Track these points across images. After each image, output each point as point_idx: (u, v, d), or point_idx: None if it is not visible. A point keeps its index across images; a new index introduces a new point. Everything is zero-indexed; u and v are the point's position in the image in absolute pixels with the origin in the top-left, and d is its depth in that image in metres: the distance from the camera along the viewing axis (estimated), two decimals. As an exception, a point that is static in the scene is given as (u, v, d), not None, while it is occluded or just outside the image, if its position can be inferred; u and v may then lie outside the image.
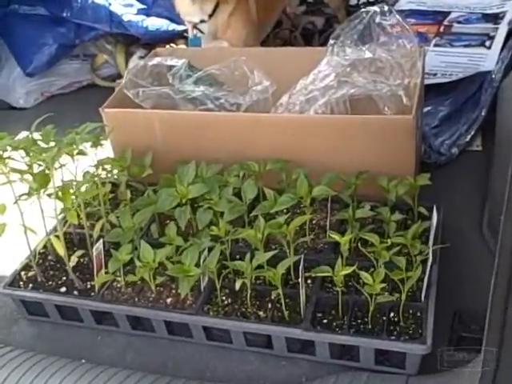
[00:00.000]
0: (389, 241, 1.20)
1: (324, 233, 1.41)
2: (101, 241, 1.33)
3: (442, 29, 2.10)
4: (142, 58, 2.14)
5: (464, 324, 1.30)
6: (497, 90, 1.79)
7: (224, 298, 1.28)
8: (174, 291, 1.31)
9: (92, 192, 1.37)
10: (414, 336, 1.16)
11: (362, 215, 1.33)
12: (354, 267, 1.16)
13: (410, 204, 1.39)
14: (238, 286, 1.20)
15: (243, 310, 1.25)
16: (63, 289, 1.36)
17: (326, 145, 1.46)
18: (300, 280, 1.19)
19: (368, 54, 1.50)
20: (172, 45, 2.09)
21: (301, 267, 1.18)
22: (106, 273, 1.31)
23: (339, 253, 1.31)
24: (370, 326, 1.19)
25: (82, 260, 1.41)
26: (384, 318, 1.20)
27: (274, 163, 1.45)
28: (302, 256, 1.20)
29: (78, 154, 1.32)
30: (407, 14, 2.18)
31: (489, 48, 1.96)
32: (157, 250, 1.28)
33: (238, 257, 1.36)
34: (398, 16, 1.63)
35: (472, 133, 1.76)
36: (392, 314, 1.20)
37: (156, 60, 1.57)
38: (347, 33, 1.63)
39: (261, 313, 1.24)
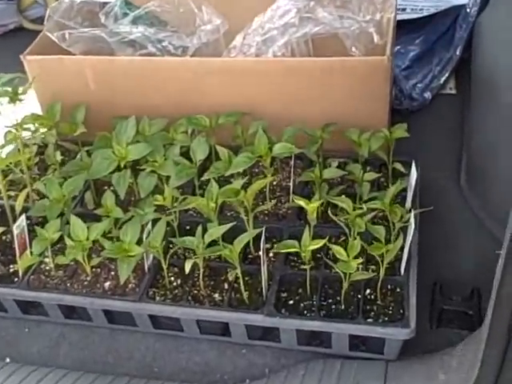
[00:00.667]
0: (364, 206, 1.02)
1: (287, 195, 1.23)
2: (23, 216, 1.12)
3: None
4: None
5: (445, 296, 1.16)
6: (473, 25, 1.61)
7: (172, 278, 1.10)
8: (113, 273, 1.12)
9: (13, 157, 1.15)
10: (394, 317, 1.00)
11: (330, 175, 1.14)
12: (325, 241, 0.98)
13: (383, 159, 1.22)
14: (188, 267, 1.01)
15: (195, 292, 1.07)
16: (-19, 274, 1.15)
17: (288, 93, 1.26)
18: (261, 256, 1.01)
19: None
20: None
21: (262, 242, 1.00)
22: (31, 254, 1.10)
23: (305, 219, 1.14)
24: (342, 307, 1.02)
25: (3, 238, 1.20)
26: (359, 295, 1.03)
27: (228, 116, 1.24)
28: (264, 229, 1.01)
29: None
30: None
31: (461, -22, 1.76)
32: (91, 224, 1.09)
33: (187, 228, 1.17)
34: None
35: (446, 74, 1.59)
36: (368, 291, 1.04)
37: (84, -4, 1.33)
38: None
39: (216, 295, 1.06)
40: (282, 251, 1.00)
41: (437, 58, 1.62)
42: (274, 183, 1.26)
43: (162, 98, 1.32)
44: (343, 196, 1.11)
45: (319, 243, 0.98)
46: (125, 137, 1.19)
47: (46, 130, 1.30)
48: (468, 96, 1.58)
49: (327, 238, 1.03)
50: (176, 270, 1.11)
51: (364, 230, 1.02)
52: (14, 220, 1.14)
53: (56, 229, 1.10)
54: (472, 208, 1.30)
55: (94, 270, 1.11)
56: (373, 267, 1.05)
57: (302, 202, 1.04)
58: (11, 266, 1.16)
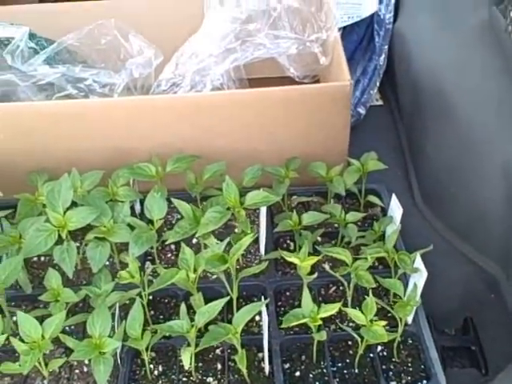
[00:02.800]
0: (368, 257, 0.91)
1: (255, 244, 1.09)
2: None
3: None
4: None
5: (438, 330, 1.09)
6: (392, 33, 1.56)
7: (152, 366, 0.93)
8: (77, 371, 0.93)
9: None
10: (416, 374, 0.90)
11: (311, 221, 1.02)
12: (339, 305, 0.86)
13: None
14: (186, 361, 0.84)
15: (184, 379, 0.91)
16: None
17: (241, 128, 1.12)
18: (264, 332, 0.87)
19: (272, 3, 1.15)
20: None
21: (264, 315, 0.86)
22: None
23: (284, 271, 1.03)
24: (356, 371, 0.91)
25: None
26: (371, 355, 0.92)
27: (177, 162, 1.08)
28: (265, 303, 0.87)
29: None
30: None
31: (367, -17, 1.71)
32: (34, 313, 0.89)
33: (162, 300, 1.01)
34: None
35: (375, 87, 1.52)
36: (379, 348, 0.94)
37: (-20, 32, 1.08)
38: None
39: (210, 379, 0.91)
40: (294, 324, 0.86)
41: (360, 69, 1.55)
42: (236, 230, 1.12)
43: (89, 147, 1.12)
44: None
45: (330, 309, 0.86)
46: (60, 201, 0.98)
47: None
48: (396, 106, 1.54)
49: (315, 291, 0.93)
50: (153, 354, 0.94)
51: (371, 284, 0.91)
52: None
53: (-1, 329, 0.88)
54: (437, 230, 1.24)
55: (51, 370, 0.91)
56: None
57: (295, 260, 0.92)
58: None
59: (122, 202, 1.05)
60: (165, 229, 1.12)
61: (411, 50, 1.45)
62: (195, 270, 0.90)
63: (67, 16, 1.33)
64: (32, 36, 1.08)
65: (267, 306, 0.93)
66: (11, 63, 1.04)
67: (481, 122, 1.15)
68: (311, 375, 0.91)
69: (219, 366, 0.92)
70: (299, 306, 0.94)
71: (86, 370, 0.93)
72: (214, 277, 1.04)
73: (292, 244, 1.10)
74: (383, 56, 1.54)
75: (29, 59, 1.04)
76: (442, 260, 1.19)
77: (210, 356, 0.94)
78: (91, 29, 1.10)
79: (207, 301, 0.92)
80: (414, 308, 0.90)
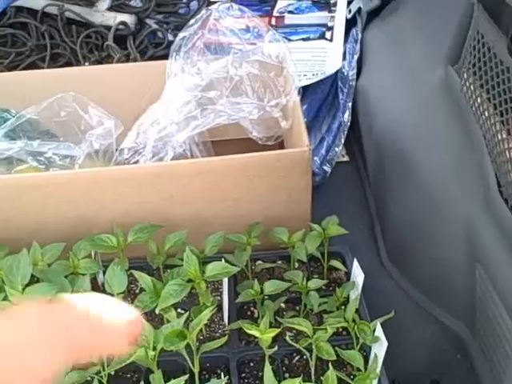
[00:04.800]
0: (328, 328, 0.91)
1: (217, 312, 1.08)
2: None
3: (273, 21, 1.83)
4: None
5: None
6: (355, 90, 1.58)
7: None
8: None
9: None
10: None
11: (272, 289, 1.02)
12: (299, 380, 0.85)
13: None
14: None
15: None
16: None
17: (203, 194, 1.12)
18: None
19: (232, 70, 1.17)
20: None
21: (224, 392, 0.85)
22: None
23: (244, 339, 1.02)
24: None
25: None
26: (336, 427, 0.91)
27: (138, 232, 1.07)
28: (224, 381, 0.86)
29: None
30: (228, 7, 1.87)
31: (330, 40, 1.74)
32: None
33: (126, 378, 0.99)
34: (244, 10, 1.35)
35: (340, 145, 1.53)
36: (342, 420, 0.93)
37: None
38: (190, 41, 1.29)
39: None
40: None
41: (325, 126, 1.57)
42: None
43: (50, 218, 1.11)
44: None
45: None
46: (19, 277, 0.97)
47: None
48: (362, 163, 1.55)
49: (278, 361, 0.92)
50: (114, 434, 0.92)
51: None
52: None
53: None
54: (403, 289, 1.24)
55: None
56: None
57: (256, 333, 0.91)
58: None
59: (83, 274, 1.04)
60: (129, 299, 1.11)
61: (373, 107, 1.47)
62: (154, 348, 0.89)
63: (25, 85, 1.34)
64: (-10, 109, 1.09)
65: (230, 380, 0.92)
66: (-32, 139, 1.05)
67: (442, 181, 1.16)
68: None
69: None
70: (263, 377, 0.93)
71: None
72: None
73: (256, 311, 1.09)
74: (347, 113, 1.57)
75: (-13, 133, 1.05)
76: (408, 320, 1.19)
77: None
78: (50, 102, 1.10)
79: (169, 375, 0.91)
80: (375, 381, 0.89)
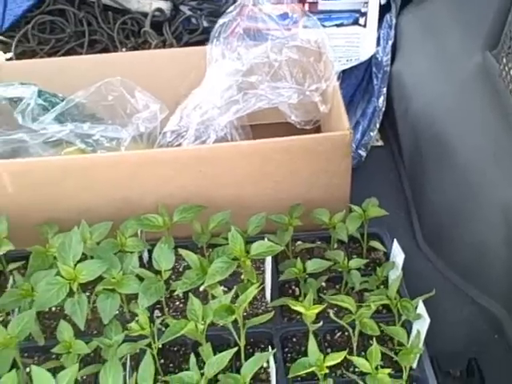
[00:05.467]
0: (371, 305, 0.94)
1: (260, 291, 1.11)
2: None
3: (307, 7, 1.85)
4: None
5: (442, 372, 1.11)
6: (389, 75, 1.60)
7: (163, 418, 0.95)
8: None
9: None
10: (423, 419, 0.92)
11: (315, 268, 1.05)
12: (344, 354, 0.88)
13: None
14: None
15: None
16: None
17: (245, 177, 1.15)
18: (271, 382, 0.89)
19: (272, 56, 1.19)
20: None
21: (271, 367, 0.88)
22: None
23: (286, 316, 1.05)
24: (362, 417, 0.93)
25: None
26: (377, 401, 0.94)
27: (184, 212, 1.11)
28: (272, 353, 0.90)
29: None
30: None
31: (364, 26, 1.75)
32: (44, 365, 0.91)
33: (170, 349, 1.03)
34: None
35: (376, 129, 1.55)
36: (384, 393, 0.95)
37: (-10, 92, 1.12)
38: (229, 28, 1.31)
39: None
40: (301, 373, 0.88)
41: (360, 111, 1.59)
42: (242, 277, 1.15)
43: (97, 198, 1.15)
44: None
45: (336, 358, 0.88)
46: (71, 254, 1.01)
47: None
48: (396, 147, 1.57)
49: (321, 337, 0.95)
50: (161, 404, 0.96)
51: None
52: None
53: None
54: (439, 271, 1.27)
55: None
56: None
57: (301, 309, 0.94)
58: None
59: (130, 252, 1.08)
60: (173, 276, 1.14)
61: (409, 91, 1.49)
62: (203, 321, 0.93)
63: (66, 71, 1.38)
64: (40, 93, 1.12)
65: (274, 354, 0.95)
66: (22, 122, 1.09)
67: (479, 165, 1.18)
68: (319, 423, 0.93)
69: (228, 416, 0.94)
70: (306, 351, 0.96)
71: (98, 421, 0.95)
72: (221, 324, 1.06)
73: (297, 290, 1.12)
74: (382, 98, 1.59)
75: (38, 116, 1.08)
76: (446, 301, 1.22)
77: (218, 405, 0.96)
78: (98, 86, 1.14)
79: (215, 348, 0.95)
80: (418, 355, 0.91)
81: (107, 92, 1.15)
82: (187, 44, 1.72)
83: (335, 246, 1.17)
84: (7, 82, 1.20)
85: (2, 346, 0.93)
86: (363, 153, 1.51)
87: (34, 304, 0.99)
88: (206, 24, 1.77)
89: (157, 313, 1.11)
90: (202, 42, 1.59)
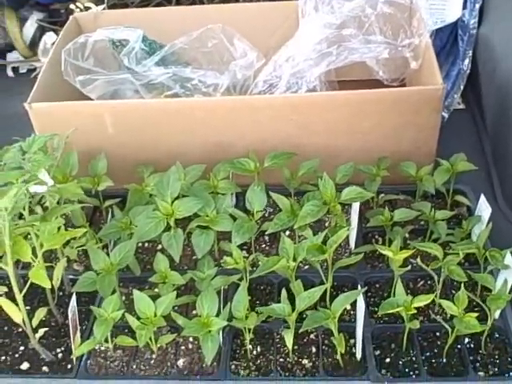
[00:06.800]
0: (460, 252, 0.96)
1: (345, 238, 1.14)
2: (74, 297, 0.98)
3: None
4: (40, 22, 1.70)
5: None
6: (476, 38, 1.59)
7: (251, 347, 1.00)
8: (183, 347, 1.01)
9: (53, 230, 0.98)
10: (504, 366, 0.94)
11: (402, 217, 1.08)
12: (433, 296, 0.91)
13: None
14: (289, 341, 0.92)
15: (281, 360, 0.98)
16: (25, 364, 1.00)
17: (335, 127, 1.18)
18: (358, 317, 0.93)
19: (367, 10, 1.21)
20: (78, 4, 1.66)
21: (359, 306, 0.92)
22: (81, 336, 0.97)
23: (372, 265, 1.08)
24: (444, 360, 0.96)
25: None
26: (459, 346, 0.97)
27: (274, 158, 1.14)
28: (362, 291, 0.94)
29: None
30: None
31: (451, -11, 1.74)
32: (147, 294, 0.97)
33: (261, 288, 1.09)
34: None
35: (459, 91, 1.55)
36: (466, 340, 0.98)
37: (100, 34, 1.17)
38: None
39: (305, 361, 0.97)
40: (390, 311, 0.92)
41: (443, 73, 1.59)
42: (326, 224, 1.19)
43: (192, 142, 1.20)
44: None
45: (424, 300, 0.91)
46: (169, 191, 1.07)
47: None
48: (478, 110, 1.56)
49: (404, 284, 0.97)
50: (251, 335, 1.01)
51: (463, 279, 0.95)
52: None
53: (115, 307, 0.96)
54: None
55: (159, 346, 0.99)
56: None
57: (389, 253, 0.97)
58: (58, 351, 1.02)
59: (222, 194, 1.13)
60: (258, 221, 1.19)
61: (498, 53, 1.47)
62: (295, 259, 0.97)
63: (164, 21, 1.42)
64: (144, 38, 1.17)
65: (363, 293, 0.99)
66: (127, 64, 1.14)
67: None
68: (401, 362, 0.96)
69: (313, 350, 0.99)
70: (388, 297, 1.00)
71: (190, 346, 1.01)
72: (306, 267, 1.11)
73: (380, 239, 1.15)
74: (467, 60, 1.58)
75: (141, 60, 1.13)
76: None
77: (305, 340, 1.00)
78: (201, 33, 1.18)
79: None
80: (506, 302, 0.93)
81: (207, 39, 1.19)
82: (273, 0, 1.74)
83: (419, 200, 1.18)
84: (107, 27, 1.26)
85: (105, 272, 1.00)
86: (445, 114, 1.51)
87: (134, 235, 1.05)
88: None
89: (244, 253, 1.15)
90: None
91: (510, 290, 0.95)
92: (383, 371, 0.95)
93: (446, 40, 1.66)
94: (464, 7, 1.65)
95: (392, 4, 1.25)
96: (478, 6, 1.63)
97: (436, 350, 0.97)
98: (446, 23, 1.63)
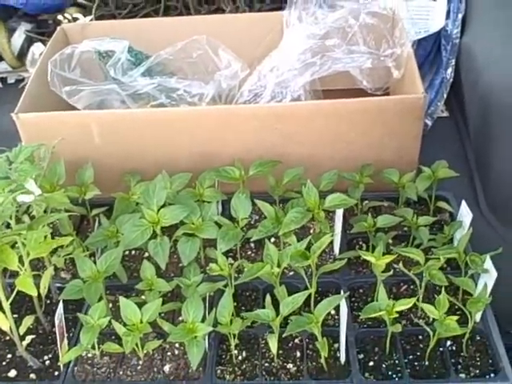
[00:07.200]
0: (441, 257, 0.98)
1: (329, 244, 1.16)
2: (61, 304, 0.99)
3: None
4: (28, 33, 1.71)
5: (502, 332, 1.14)
6: (459, 47, 1.62)
7: (236, 352, 1.01)
8: (169, 353, 1.02)
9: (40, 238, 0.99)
10: (485, 368, 0.96)
11: (385, 223, 1.09)
12: (414, 300, 0.93)
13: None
14: (274, 346, 0.93)
15: (266, 364, 0.99)
16: (13, 372, 1.01)
17: (319, 136, 1.20)
18: (341, 322, 0.95)
19: (350, 21, 1.23)
20: (66, 15, 1.68)
21: (342, 306, 0.94)
22: (68, 343, 0.98)
23: (353, 269, 1.11)
24: (427, 363, 0.98)
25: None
26: (441, 348, 0.99)
27: (259, 166, 1.16)
28: (345, 296, 0.95)
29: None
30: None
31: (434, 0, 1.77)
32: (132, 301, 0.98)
33: (246, 294, 1.10)
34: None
35: (443, 99, 1.57)
36: (448, 343, 1.00)
37: (87, 45, 1.19)
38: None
39: (290, 366, 0.99)
40: (372, 315, 0.94)
41: (426, 82, 1.61)
42: (310, 231, 1.20)
43: (177, 151, 1.22)
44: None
45: (405, 303, 0.93)
46: (155, 199, 1.08)
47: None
48: (461, 118, 1.59)
49: (387, 289, 0.99)
50: (237, 341, 1.02)
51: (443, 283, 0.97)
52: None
53: (102, 314, 0.97)
54: (502, 236, 1.29)
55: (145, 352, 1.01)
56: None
57: (371, 258, 0.99)
58: (45, 358, 1.03)
59: (208, 202, 1.14)
60: (244, 228, 1.20)
61: (480, 63, 1.50)
62: (279, 265, 0.98)
63: (151, 32, 1.44)
64: (130, 49, 1.19)
65: (346, 298, 1.01)
66: (113, 75, 1.16)
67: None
68: (384, 365, 0.98)
69: (298, 354, 1.00)
70: (372, 301, 1.01)
71: (176, 352, 1.02)
72: (291, 273, 1.12)
73: (364, 245, 1.17)
74: (450, 69, 1.60)
75: (127, 71, 1.15)
76: (507, 265, 1.24)
77: (290, 345, 1.02)
78: (186, 43, 1.20)
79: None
80: (485, 305, 0.95)
81: (192, 49, 1.21)
82: (259, 11, 1.76)
83: (402, 206, 1.20)
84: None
85: (92, 280, 1.01)
86: (429, 122, 1.53)
87: (120, 243, 1.06)
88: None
89: (230, 260, 1.17)
90: (273, 10, 1.64)
91: (490, 294, 0.98)
92: (367, 374, 0.96)
93: (430, 49, 1.69)
94: (447, 17, 1.68)
95: (375, 15, 1.28)
96: (460, 16, 1.67)
97: (418, 353, 0.99)
98: (430, 33, 1.66)
